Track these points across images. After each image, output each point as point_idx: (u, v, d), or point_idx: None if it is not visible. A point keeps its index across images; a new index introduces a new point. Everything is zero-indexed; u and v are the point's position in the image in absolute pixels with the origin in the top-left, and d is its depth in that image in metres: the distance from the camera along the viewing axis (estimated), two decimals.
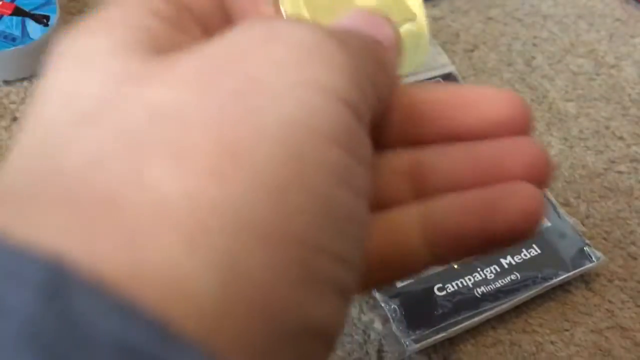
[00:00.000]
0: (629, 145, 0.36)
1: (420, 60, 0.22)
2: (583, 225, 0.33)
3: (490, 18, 0.41)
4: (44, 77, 0.14)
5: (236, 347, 0.11)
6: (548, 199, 0.32)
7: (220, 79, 0.12)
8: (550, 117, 0.37)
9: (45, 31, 0.35)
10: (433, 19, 0.41)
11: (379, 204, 0.16)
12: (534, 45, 0.40)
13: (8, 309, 0.09)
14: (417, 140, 0.17)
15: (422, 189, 0.17)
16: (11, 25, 0.35)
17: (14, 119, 0.33)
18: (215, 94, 0.12)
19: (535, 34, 0.41)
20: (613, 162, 0.36)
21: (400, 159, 0.17)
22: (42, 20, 0.35)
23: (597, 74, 0.39)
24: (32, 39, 0.34)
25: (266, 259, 0.11)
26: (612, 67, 0.40)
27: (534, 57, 0.40)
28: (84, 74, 0.13)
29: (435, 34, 0.40)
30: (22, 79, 0.35)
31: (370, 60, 0.15)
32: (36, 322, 0.09)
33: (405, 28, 0.22)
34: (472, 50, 0.40)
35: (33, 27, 0.35)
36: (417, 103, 0.17)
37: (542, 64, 0.40)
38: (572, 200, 0.34)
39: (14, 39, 0.34)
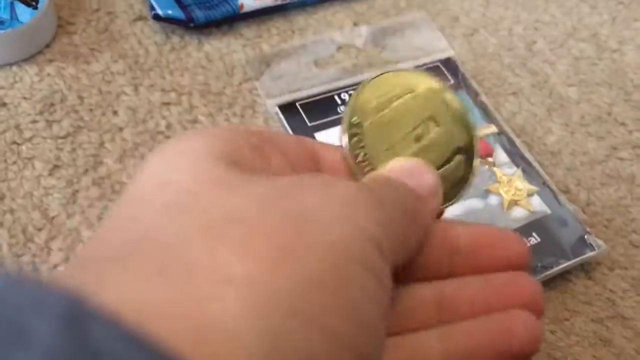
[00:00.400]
0: (631, 132, 0.36)
1: (468, 191, 0.23)
2: (584, 212, 0.32)
3: (490, 1, 0.41)
4: (145, 162, 0.18)
5: None
6: (548, 186, 0.32)
7: (286, 203, 0.16)
8: (551, 102, 0.36)
9: (34, 14, 0.34)
10: (432, 3, 0.40)
11: (409, 327, 0.20)
12: (535, 29, 0.40)
13: (32, 337, 0.10)
14: (444, 271, 0.20)
15: (446, 315, 0.20)
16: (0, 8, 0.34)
17: (3, 104, 0.33)
18: (280, 211, 0.16)
19: (536, 17, 0.40)
20: (615, 148, 0.35)
21: (427, 289, 0.20)
22: (32, 3, 0.34)
23: (600, 59, 0.39)
24: (21, 22, 0.33)
25: (303, 340, 0.14)
26: (615, 51, 0.39)
27: (535, 42, 0.39)
28: (180, 167, 0.17)
29: (434, 17, 0.39)
30: (11, 64, 0.34)
31: (402, 215, 0.18)
32: (56, 351, 0.10)
33: (455, 160, 0.23)
34: (471, 35, 0.39)
35: (22, 10, 0.34)
36: (450, 241, 0.20)
37: (543, 48, 0.39)
38: (572, 187, 0.33)
39: (2, 22, 0.33)
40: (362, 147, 0.22)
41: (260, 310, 0.13)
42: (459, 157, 0.23)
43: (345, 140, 0.22)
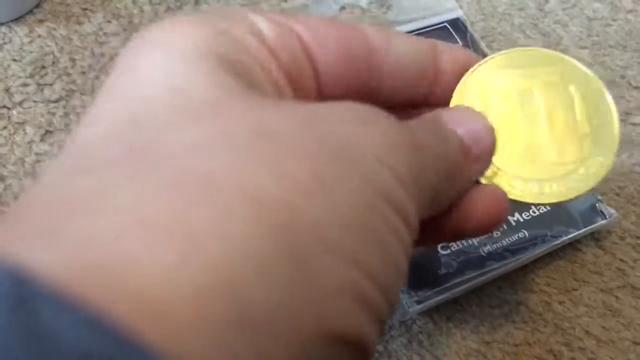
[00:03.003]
0: None
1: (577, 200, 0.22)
2: None
3: None
4: (131, 53, 0.15)
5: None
6: None
7: (325, 128, 0.14)
8: None
9: None
10: None
11: None
12: None
13: None
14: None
15: None
16: None
17: None
18: (319, 137, 0.14)
19: None
20: (629, 113, 0.34)
21: None
22: None
23: (614, 20, 0.37)
24: None
25: (337, 276, 0.13)
26: (630, 12, 0.37)
27: (547, 1, 0.37)
28: (189, 73, 0.14)
29: None
30: (0, 24, 0.33)
31: (439, 168, 0.17)
32: (2, 335, 0.09)
33: (578, 174, 0.21)
34: None
35: None
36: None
37: (555, 8, 0.37)
38: None
39: None
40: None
41: (293, 241, 0.12)
42: (583, 170, 0.21)
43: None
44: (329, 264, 0.13)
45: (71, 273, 0.10)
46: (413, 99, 0.20)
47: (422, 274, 0.27)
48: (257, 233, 0.12)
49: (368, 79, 0.19)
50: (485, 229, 0.20)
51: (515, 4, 0.37)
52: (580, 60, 0.33)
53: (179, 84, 0.14)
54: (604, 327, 0.27)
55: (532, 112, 0.21)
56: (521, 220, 0.28)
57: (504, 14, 0.37)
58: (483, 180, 0.20)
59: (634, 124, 0.33)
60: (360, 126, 0.15)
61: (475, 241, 0.27)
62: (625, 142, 0.33)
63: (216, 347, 0.11)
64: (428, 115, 0.19)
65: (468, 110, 0.20)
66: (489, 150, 0.19)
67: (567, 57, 0.22)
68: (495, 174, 0.20)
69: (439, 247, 0.27)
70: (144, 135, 0.13)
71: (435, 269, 0.27)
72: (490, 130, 0.19)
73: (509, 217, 0.28)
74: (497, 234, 0.28)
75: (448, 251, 0.27)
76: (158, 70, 0.15)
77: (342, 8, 0.35)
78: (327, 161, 0.14)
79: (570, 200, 0.21)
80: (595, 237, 0.29)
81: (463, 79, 0.21)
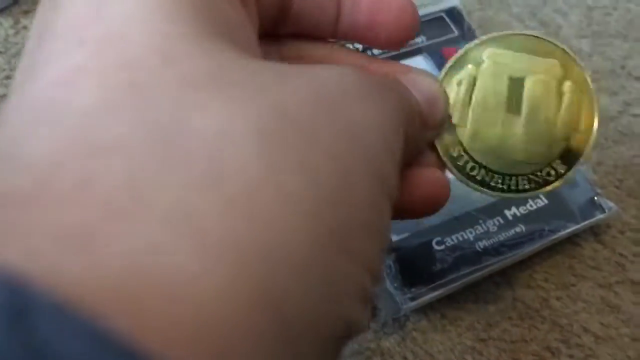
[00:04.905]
0: None
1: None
2: (594, 173, 0.30)
3: None
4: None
5: None
6: None
7: (341, 125, 0.14)
8: None
9: None
10: None
11: None
12: None
13: None
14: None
15: None
16: None
17: None
18: (330, 115, 0.14)
19: None
20: (629, 104, 0.33)
21: None
22: None
23: (614, 9, 0.36)
24: None
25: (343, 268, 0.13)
26: (630, 0, 0.37)
27: None
28: (170, 29, 0.13)
29: None
30: None
31: (411, 138, 0.17)
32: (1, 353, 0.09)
33: (537, 176, 0.21)
34: None
35: None
36: None
37: None
38: None
39: None
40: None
41: (322, 247, 0.12)
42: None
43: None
44: (349, 269, 0.13)
45: (101, 288, 0.09)
46: (319, 26, 0.20)
47: (416, 270, 0.26)
48: (294, 248, 0.11)
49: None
50: (424, 212, 0.19)
51: None
52: (579, 50, 0.32)
53: (167, 49, 0.12)
54: (602, 324, 0.27)
55: (516, 101, 0.20)
56: (518, 214, 0.28)
57: (501, 2, 0.36)
58: (445, 158, 0.20)
59: (634, 115, 0.33)
60: (366, 104, 0.15)
61: (470, 236, 0.27)
62: (626, 134, 0.32)
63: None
64: (393, 79, 0.18)
65: (426, 75, 0.19)
66: (442, 119, 0.19)
67: (571, 52, 0.21)
68: (460, 156, 0.20)
69: (433, 242, 0.27)
70: (156, 110, 0.11)
71: (430, 265, 0.26)
72: (445, 100, 0.19)
73: (506, 211, 0.28)
74: (493, 229, 0.27)
75: (443, 247, 0.26)
76: (133, 22, 0.13)
77: None
78: (351, 160, 0.13)
79: (520, 199, 0.21)
80: (594, 232, 0.29)
81: (459, 52, 0.21)
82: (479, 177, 0.20)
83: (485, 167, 0.20)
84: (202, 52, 0.13)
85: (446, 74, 0.20)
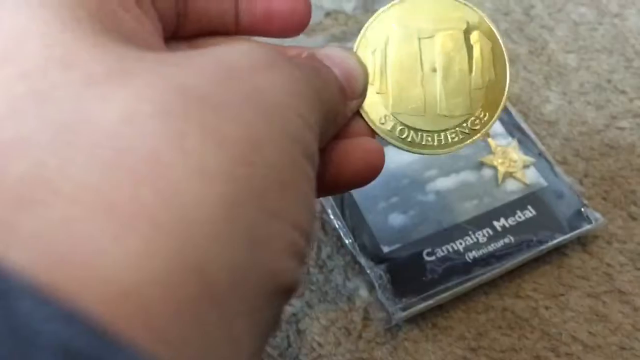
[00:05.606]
0: (631, 100, 0.34)
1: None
2: (581, 184, 0.31)
3: None
4: None
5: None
6: (545, 158, 0.31)
7: (240, 84, 0.14)
8: (549, 70, 0.35)
9: None
10: None
11: None
12: None
13: None
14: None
15: None
16: None
17: None
18: (239, 93, 0.14)
19: None
20: (614, 117, 0.34)
21: None
22: None
23: (600, 24, 0.37)
24: None
25: (277, 234, 0.13)
26: (616, 16, 0.37)
27: (532, 6, 0.37)
28: (58, 31, 0.13)
29: None
30: None
31: (331, 111, 0.18)
32: None
33: (462, 128, 0.22)
34: None
35: None
36: None
37: (541, 12, 0.37)
38: (570, 158, 0.32)
39: None
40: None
41: (242, 212, 0.12)
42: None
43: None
44: (275, 229, 0.13)
45: (39, 267, 0.10)
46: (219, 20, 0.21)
47: (407, 281, 0.26)
48: (209, 209, 0.12)
49: None
50: (361, 181, 0.20)
51: (501, 9, 0.37)
52: (566, 65, 0.33)
53: (66, 57, 0.13)
54: (590, 332, 0.27)
55: (430, 59, 0.21)
56: (507, 225, 0.28)
57: (489, 18, 0.37)
58: (373, 126, 0.21)
59: (620, 128, 0.33)
60: (273, 73, 0.15)
61: (460, 247, 0.27)
62: (612, 147, 0.33)
63: (189, 323, 0.11)
64: (306, 56, 0.19)
65: (340, 49, 0.20)
66: (362, 89, 0.20)
67: (476, 9, 0.22)
68: (388, 120, 0.21)
69: (424, 253, 0.27)
70: (59, 109, 0.12)
71: (421, 276, 0.26)
72: (363, 70, 0.20)
73: (494, 223, 0.28)
74: (482, 240, 0.28)
75: (433, 257, 0.27)
76: (29, 35, 0.13)
77: (327, 14, 0.35)
78: (258, 124, 0.14)
79: (451, 152, 0.21)
80: (581, 242, 0.29)
81: (369, 21, 0.21)
82: (409, 139, 0.21)
83: (413, 128, 0.21)
84: (103, 53, 0.13)
85: (359, 44, 0.21)
